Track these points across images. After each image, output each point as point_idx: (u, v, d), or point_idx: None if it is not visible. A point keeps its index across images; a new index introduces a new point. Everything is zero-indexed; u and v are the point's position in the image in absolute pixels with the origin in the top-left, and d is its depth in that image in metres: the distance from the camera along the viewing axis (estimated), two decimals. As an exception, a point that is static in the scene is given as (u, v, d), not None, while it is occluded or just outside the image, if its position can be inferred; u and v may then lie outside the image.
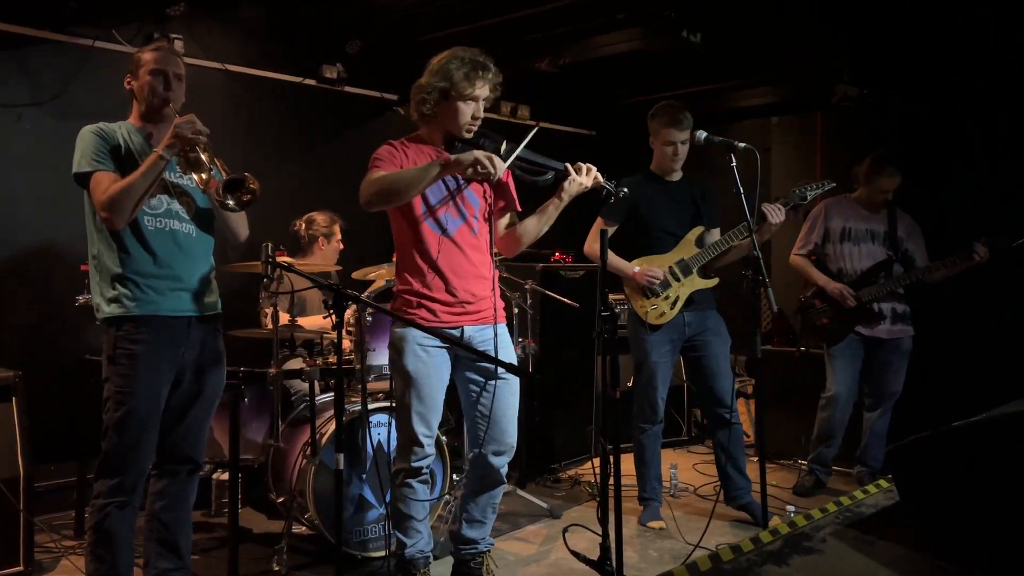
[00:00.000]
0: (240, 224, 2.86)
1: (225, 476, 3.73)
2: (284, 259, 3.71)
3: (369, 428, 3.39)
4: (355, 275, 4.06)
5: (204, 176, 2.67)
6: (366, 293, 3.82)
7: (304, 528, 3.60)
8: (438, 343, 2.90)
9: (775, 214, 3.60)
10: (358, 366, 3.49)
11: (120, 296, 2.66)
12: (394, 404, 3.05)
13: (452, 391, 3.06)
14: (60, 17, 4.10)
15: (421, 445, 2.93)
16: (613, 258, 3.81)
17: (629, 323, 3.97)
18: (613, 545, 2.63)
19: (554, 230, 3.03)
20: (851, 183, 4.44)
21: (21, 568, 3.14)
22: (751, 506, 3.89)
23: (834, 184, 3.92)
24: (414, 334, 2.88)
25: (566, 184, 2.85)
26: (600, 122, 6.77)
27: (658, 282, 3.79)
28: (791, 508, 3.97)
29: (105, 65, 4.19)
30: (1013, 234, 4.00)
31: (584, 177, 2.84)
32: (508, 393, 3.00)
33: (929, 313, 4.46)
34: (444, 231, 2.91)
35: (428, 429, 2.94)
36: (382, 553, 3.34)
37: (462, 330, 2.94)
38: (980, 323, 4.64)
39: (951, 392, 4.24)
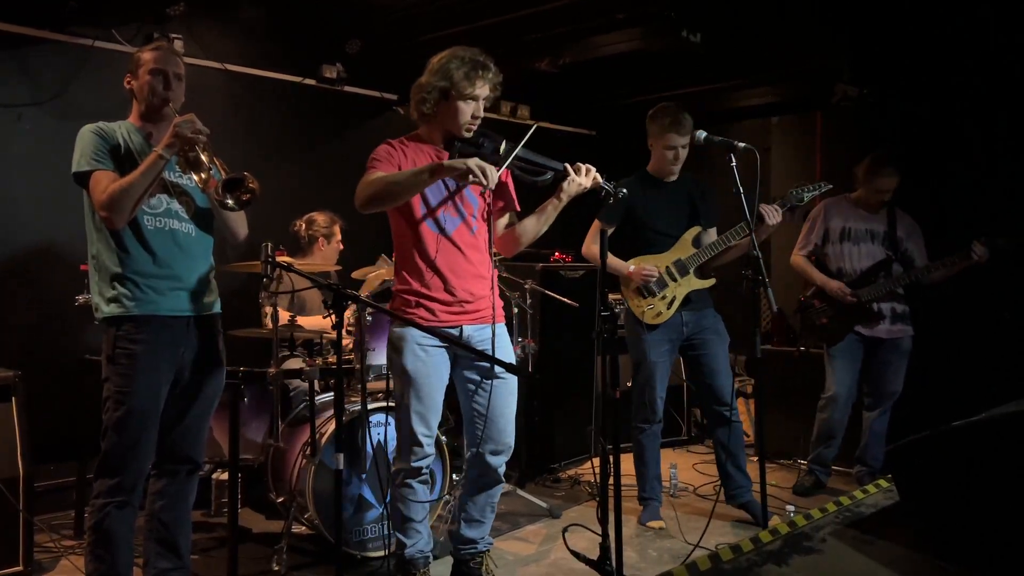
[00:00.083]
0: (239, 223, 2.86)
1: (225, 476, 3.73)
2: (284, 259, 3.71)
3: (369, 428, 3.39)
4: (355, 275, 4.06)
5: (203, 175, 2.67)
6: (366, 293, 3.83)
7: (304, 528, 3.60)
8: (437, 342, 2.90)
9: (772, 215, 3.60)
10: (358, 366, 3.49)
11: (120, 296, 2.66)
12: (393, 404, 3.05)
13: (452, 391, 3.06)
14: (60, 17, 4.10)
15: (421, 445, 2.93)
16: (610, 258, 3.80)
17: (627, 323, 3.97)
18: (613, 545, 2.63)
19: (553, 230, 3.03)
20: (851, 183, 4.44)
21: (21, 568, 3.14)
22: (751, 505, 3.89)
23: (831, 186, 3.93)
24: (413, 333, 2.88)
25: (565, 184, 2.84)
26: (600, 122, 6.77)
27: (654, 279, 3.78)
28: (791, 508, 3.97)
29: (105, 65, 4.19)
30: (1013, 234, 4.00)
31: (583, 178, 2.84)
32: (506, 393, 3.00)
33: (929, 313, 4.46)
34: (442, 231, 2.91)
35: (427, 429, 2.94)
36: (381, 553, 3.34)
37: (461, 329, 2.94)
38: (980, 323, 4.64)
39: (951, 392, 4.24)
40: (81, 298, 3.36)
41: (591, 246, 3.90)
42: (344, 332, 2.96)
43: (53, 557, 3.44)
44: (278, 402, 3.51)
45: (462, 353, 2.96)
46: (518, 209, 3.10)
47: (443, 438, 3.54)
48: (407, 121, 3.10)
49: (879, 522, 2.25)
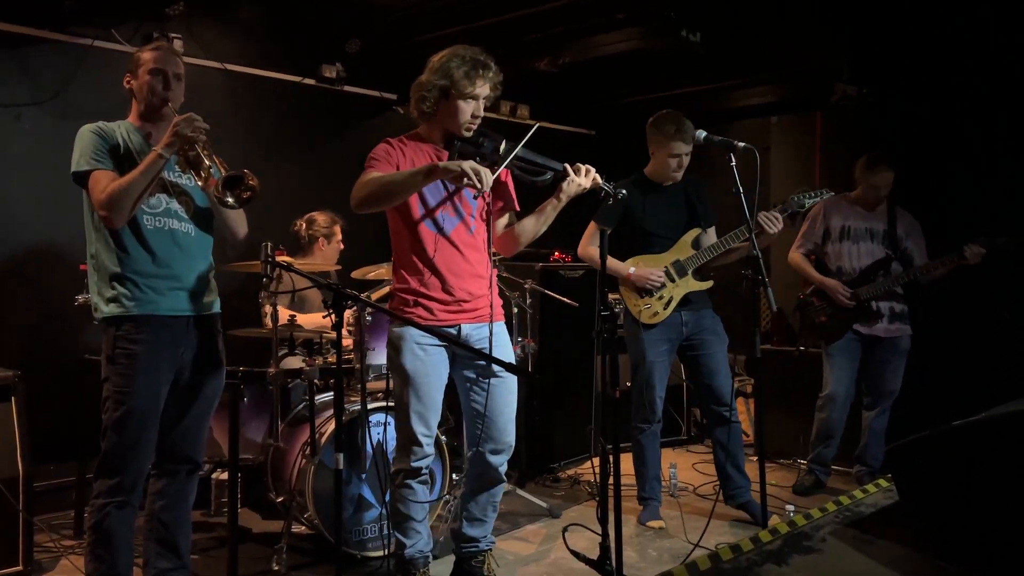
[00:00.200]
0: (239, 222, 2.85)
1: (224, 476, 3.73)
2: (284, 259, 3.71)
3: (369, 428, 3.39)
4: (355, 274, 4.06)
5: (203, 174, 2.67)
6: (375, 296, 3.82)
7: (303, 528, 3.60)
8: (436, 342, 2.90)
9: (773, 224, 3.59)
10: (357, 365, 3.48)
11: (119, 296, 2.66)
12: (393, 403, 3.05)
13: (451, 390, 3.06)
14: (59, 16, 4.10)
15: (420, 445, 2.93)
16: (608, 259, 3.80)
17: (626, 322, 3.97)
18: (613, 544, 2.63)
19: (553, 230, 3.03)
20: (851, 183, 4.45)
21: (20, 568, 3.14)
22: (750, 505, 3.89)
23: (832, 193, 3.96)
24: (412, 333, 2.88)
25: (564, 185, 2.84)
26: (600, 122, 6.77)
27: (659, 284, 3.79)
28: (790, 508, 3.97)
29: (104, 64, 4.18)
30: (1013, 234, 4.00)
31: (583, 178, 2.84)
32: (505, 392, 3.00)
33: (928, 312, 4.46)
34: (441, 231, 2.91)
35: (427, 428, 2.94)
36: (381, 553, 3.34)
37: (459, 328, 2.94)
38: (979, 323, 4.64)
39: (950, 392, 4.24)
40: (81, 298, 3.36)
41: (587, 247, 3.90)
42: (344, 332, 2.95)
43: (53, 557, 3.44)
44: (278, 402, 3.51)
45: (461, 352, 2.96)
46: (518, 209, 3.10)
47: (443, 438, 3.54)
48: (407, 121, 3.10)
49: (879, 522, 2.25)
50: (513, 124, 5.98)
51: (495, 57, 2.90)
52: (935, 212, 4.55)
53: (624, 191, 2.91)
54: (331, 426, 3.40)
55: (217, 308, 2.89)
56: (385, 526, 3.32)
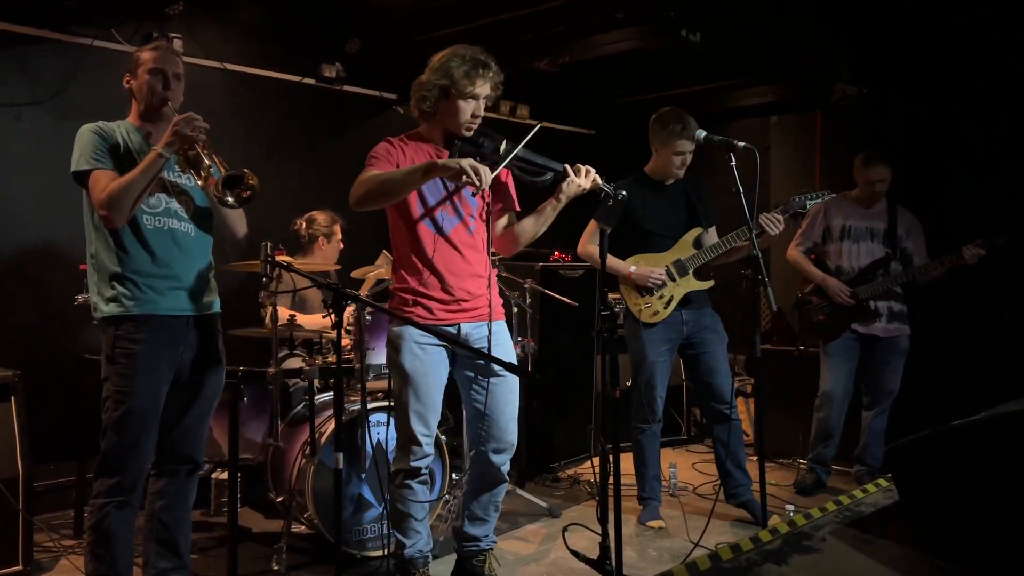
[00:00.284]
0: (238, 222, 2.85)
1: (224, 475, 3.73)
2: (283, 258, 3.71)
3: (368, 427, 3.39)
4: (354, 274, 4.05)
5: (203, 173, 2.67)
6: (365, 292, 3.82)
7: (303, 527, 3.60)
8: (435, 341, 2.90)
9: (774, 226, 3.58)
10: (357, 365, 3.48)
11: (119, 295, 2.66)
12: (392, 403, 3.05)
13: (452, 390, 3.06)
14: (59, 16, 4.10)
15: (419, 444, 2.93)
16: (609, 258, 3.79)
17: (626, 322, 3.96)
18: (613, 544, 2.63)
19: (553, 229, 3.03)
20: (850, 182, 4.45)
21: (20, 567, 3.14)
22: (750, 504, 3.89)
23: (833, 195, 3.96)
24: (411, 332, 2.88)
25: (564, 186, 2.84)
26: (600, 121, 6.77)
27: (661, 283, 3.78)
28: (790, 507, 3.98)
29: (104, 64, 4.18)
30: (1013, 234, 4.00)
31: (583, 179, 2.84)
32: (506, 391, 3.00)
33: (928, 312, 4.46)
34: (440, 230, 2.91)
35: (426, 428, 2.93)
36: (381, 552, 3.34)
37: (459, 327, 2.94)
38: (979, 323, 4.64)
39: (950, 391, 4.24)
40: (80, 297, 3.36)
41: (587, 246, 3.89)
42: (344, 331, 2.95)
43: (53, 557, 3.44)
44: (277, 401, 3.51)
45: (461, 352, 2.96)
46: (518, 209, 3.10)
47: (442, 438, 3.54)
48: (407, 120, 3.10)
49: (879, 521, 2.25)
50: (513, 124, 5.98)
51: (495, 57, 2.90)
52: (935, 212, 4.55)
53: (624, 192, 2.91)
54: (331, 426, 3.40)
55: (217, 308, 2.89)
56: (385, 526, 3.32)
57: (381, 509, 3.39)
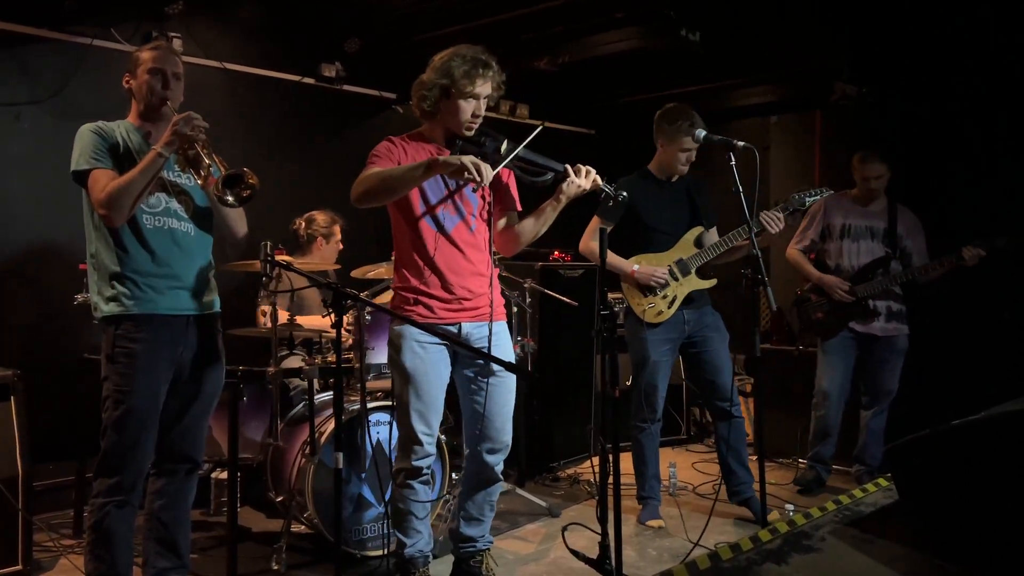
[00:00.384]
0: (238, 222, 2.85)
1: (224, 475, 3.73)
2: (283, 257, 3.71)
3: (368, 427, 3.39)
4: (354, 273, 4.05)
5: (203, 173, 2.67)
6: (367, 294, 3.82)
7: (303, 527, 3.60)
8: (436, 340, 2.90)
9: (774, 224, 3.59)
10: (357, 364, 3.48)
11: (119, 295, 2.66)
12: (393, 403, 3.05)
13: (452, 390, 3.06)
14: (58, 16, 4.09)
15: (420, 443, 2.92)
16: (611, 256, 3.80)
17: (627, 322, 3.96)
18: (612, 544, 2.63)
19: (553, 229, 3.03)
20: (851, 182, 4.45)
21: (20, 567, 3.14)
22: (752, 502, 3.89)
23: (832, 192, 3.97)
24: (412, 331, 2.88)
25: (564, 186, 2.84)
26: (599, 121, 6.77)
27: (663, 282, 3.78)
28: (790, 507, 3.98)
29: (104, 64, 4.18)
30: (1013, 234, 4.00)
31: (583, 180, 2.83)
32: (504, 391, 3.01)
33: (927, 312, 4.46)
34: (441, 229, 2.91)
35: (427, 427, 2.93)
36: (381, 552, 3.34)
37: (459, 326, 2.94)
38: (978, 322, 4.64)
39: (949, 391, 4.24)
40: (80, 297, 3.36)
41: (589, 243, 3.89)
42: (343, 331, 2.95)
43: (52, 556, 3.43)
44: (277, 401, 3.51)
45: (462, 351, 2.97)
46: (519, 209, 3.10)
47: (443, 437, 3.54)
48: (406, 120, 3.11)
49: (878, 521, 2.25)
50: (513, 123, 5.98)
51: (495, 57, 2.90)
52: (935, 212, 4.55)
53: (624, 193, 2.91)
54: (331, 425, 3.40)
55: (217, 307, 2.89)
56: (385, 525, 3.32)
57: (380, 508, 3.39)
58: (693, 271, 3.84)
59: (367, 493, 3.42)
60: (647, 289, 3.81)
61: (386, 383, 3.64)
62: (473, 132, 2.90)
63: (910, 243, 4.33)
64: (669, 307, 3.82)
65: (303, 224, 4.33)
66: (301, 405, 3.74)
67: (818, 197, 3.78)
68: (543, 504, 4.12)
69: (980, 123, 4.81)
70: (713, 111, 6.39)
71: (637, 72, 5.72)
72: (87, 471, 3.32)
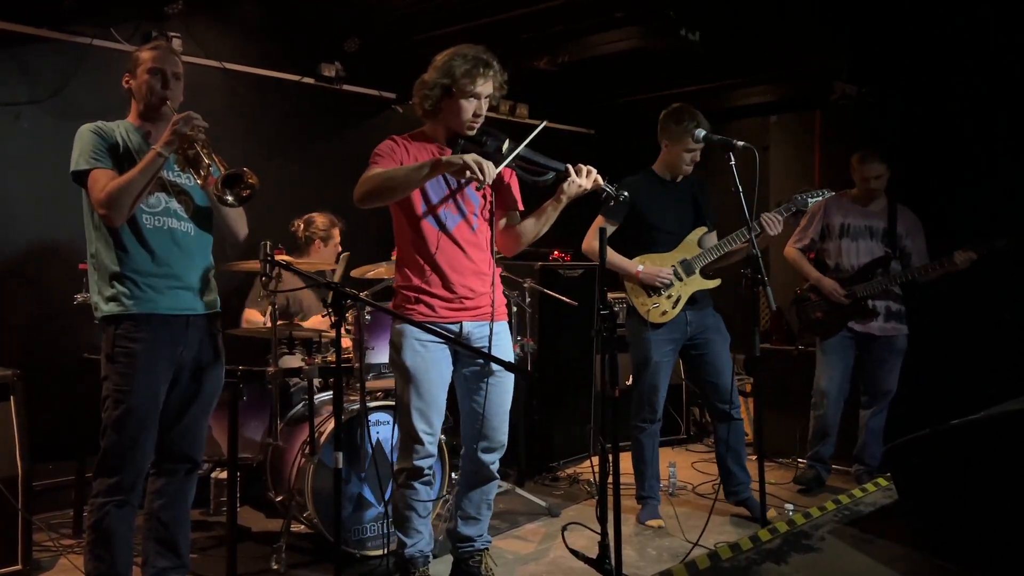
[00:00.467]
0: (239, 223, 2.86)
1: (224, 475, 3.73)
2: (283, 257, 3.70)
3: (368, 427, 3.39)
4: (354, 273, 4.05)
5: (202, 172, 2.67)
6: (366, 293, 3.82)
7: (303, 527, 3.60)
8: (437, 338, 2.90)
9: (773, 226, 3.59)
10: (357, 364, 3.48)
11: (118, 294, 2.66)
12: (394, 403, 3.05)
13: (452, 391, 3.06)
14: (58, 15, 4.09)
15: (421, 443, 2.92)
16: (615, 256, 3.81)
17: (629, 322, 3.96)
18: (612, 543, 2.63)
19: (553, 229, 3.03)
20: (851, 182, 4.45)
21: (20, 567, 3.14)
22: (750, 502, 3.90)
23: (834, 193, 3.98)
24: (413, 329, 2.88)
25: (565, 186, 2.84)
26: (599, 121, 6.77)
27: (669, 282, 3.78)
28: (790, 507, 3.98)
29: (103, 63, 4.18)
30: (1013, 234, 4.00)
31: (584, 179, 2.84)
32: (502, 391, 3.01)
33: (927, 312, 4.46)
34: (443, 228, 2.91)
35: (428, 426, 2.93)
36: (380, 551, 3.34)
37: (461, 325, 2.95)
38: (978, 322, 4.64)
39: (949, 391, 4.24)
40: (80, 297, 3.36)
41: (592, 242, 3.88)
42: (343, 331, 2.95)
43: (52, 556, 3.43)
44: (277, 401, 3.51)
45: (462, 351, 2.97)
46: (521, 208, 3.10)
47: (443, 437, 3.54)
48: (406, 119, 3.11)
49: (878, 520, 2.25)
50: (513, 123, 5.98)
51: (496, 56, 2.90)
52: (935, 212, 4.55)
53: (626, 192, 2.91)
54: (330, 425, 3.40)
55: (217, 307, 2.89)
56: (384, 525, 3.32)
57: (380, 508, 3.39)
58: (697, 271, 3.84)
59: (367, 493, 3.42)
60: (652, 289, 3.81)
61: (386, 383, 3.65)
62: (475, 131, 2.90)
63: (910, 243, 4.33)
64: (674, 307, 3.82)
65: (301, 226, 4.32)
66: (301, 405, 3.74)
67: (820, 198, 3.79)
68: (543, 504, 4.12)
69: (980, 123, 4.81)
70: (713, 111, 6.35)
71: (637, 72, 5.72)
72: (87, 471, 3.32)
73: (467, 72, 2.81)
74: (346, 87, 5.24)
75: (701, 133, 3.48)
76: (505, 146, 2.86)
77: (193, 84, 3.00)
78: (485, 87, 2.86)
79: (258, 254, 2.78)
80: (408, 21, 4.84)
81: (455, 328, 2.93)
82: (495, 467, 3.07)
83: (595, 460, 3.02)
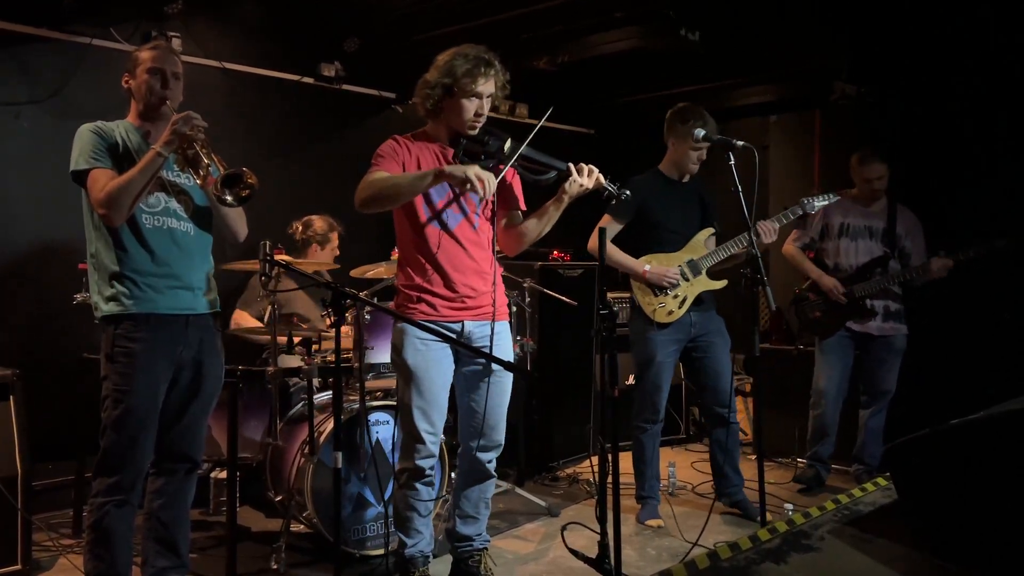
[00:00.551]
0: (239, 223, 2.86)
1: (223, 474, 3.73)
2: (282, 257, 3.70)
3: (368, 426, 3.39)
4: (353, 273, 4.05)
5: (202, 172, 2.67)
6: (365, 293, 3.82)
7: (302, 526, 3.60)
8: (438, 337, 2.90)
9: (768, 234, 3.61)
10: (356, 364, 3.48)
11: (118, 294, 2.66)
12: (395, 402, 3.05)
13: (452, 391, 3.06)
14: (58, 15, 4.09)
15: (423, 442, 2.92)
16: (621, 256, 3.81)
17: (633, 321, 3.96)
18: (612, 543, 2.63)
19: (553, 228, 3.03)
20: (850, 182, 4.45)
21: (19, 567, 3.14)
22: (743, 503, 3.92)
23: (839, 197, 3.98)
24: (413, 329, 2.88)
25: (567, 185, 2.84)
26: (599, 121, 6.76)
27: (676, 283, 3.78)
28: (789, 507, 3.98)
29: (103, 63, 4.18)
30: (1013, 234, 4.00)
31: (585, 179, 2.84)
32: (501, 391, 3.02)
33: (926, 312, 4.46)
34: (444, 227, 2.91)
35: (430, 425, 2.93)
36: (380, 551, 3.34)
37: (462, 325, 2.95)
38: (977, 322, 4.64)
39: (948, 391, 4.24)
40: (80, 297, 3.36)
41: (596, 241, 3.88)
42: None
43: (52, 556, 3.43)
44: (276, 400, 3.51)
45: (463, 350, 2.97)
46: (523, 208, 3.10)
47: (443, 437, 3.54)
48: (406, 119, 3.11)
49: (878, 520, 2.25)
50: (512, 123, 5.98)
51: (497, 56, 2.90)
52: (935, 212, 4.56)
53: (628, 192, 2.91)
54: (330, 425, 3.40)
55: (217, 307, 2.89)
56: (384, 525, 3.32)
57: (380, 508, 3.39)
58: (704, 271, 3.84)
59: (366, 492, 3.42)
60: (658, 289, 3.80)
61: (385, 383, 3.65)
62: (477, 131, 2.90)
63: (909, 243, 4.33)
64: (680, 307, 3.82)
65: (300, 228, 4.30)
66: (300, 404, 3.74)
67: (826, 202, 3.80)
68: (542, 504, 4.12)
69: (980, 123, 4.81)
70: (712, 111, 6.33)
71: (637, 72, 5.72)
72: (86, 471, 3.32)
73: (469, 72, 2.81)
74: (346, 87, 5.24)
75: (700, 133, 3.48)
76: (507, 145, 2.86)
77: (193, 84, 3.00)
78: (487, 86, 2.86)
79: (257, 254, 2.78)
80: (408, 21, 4.84)
81: (456, 327, 2.93)
82: (492, 466, 3.07)
83: (595, 460, 3.02)
